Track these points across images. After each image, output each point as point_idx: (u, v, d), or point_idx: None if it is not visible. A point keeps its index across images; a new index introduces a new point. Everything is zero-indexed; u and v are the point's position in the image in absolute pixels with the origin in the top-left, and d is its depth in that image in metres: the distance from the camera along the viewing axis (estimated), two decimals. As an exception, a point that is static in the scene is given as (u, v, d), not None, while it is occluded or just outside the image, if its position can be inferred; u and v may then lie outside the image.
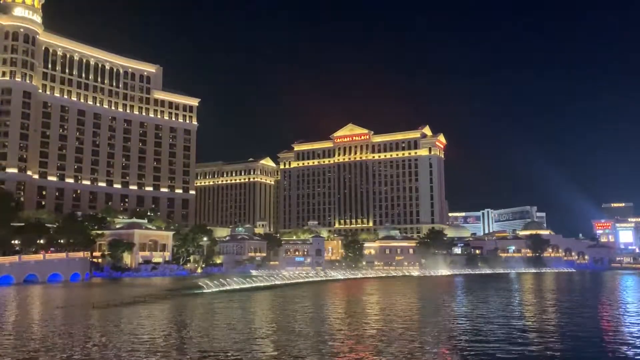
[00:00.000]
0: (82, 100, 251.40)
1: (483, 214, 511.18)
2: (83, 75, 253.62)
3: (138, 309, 68.61)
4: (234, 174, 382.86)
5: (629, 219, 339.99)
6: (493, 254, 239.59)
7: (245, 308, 71.95)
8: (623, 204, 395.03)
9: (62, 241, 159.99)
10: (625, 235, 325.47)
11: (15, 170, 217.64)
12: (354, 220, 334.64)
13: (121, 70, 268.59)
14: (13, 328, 51.40)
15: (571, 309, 70.49)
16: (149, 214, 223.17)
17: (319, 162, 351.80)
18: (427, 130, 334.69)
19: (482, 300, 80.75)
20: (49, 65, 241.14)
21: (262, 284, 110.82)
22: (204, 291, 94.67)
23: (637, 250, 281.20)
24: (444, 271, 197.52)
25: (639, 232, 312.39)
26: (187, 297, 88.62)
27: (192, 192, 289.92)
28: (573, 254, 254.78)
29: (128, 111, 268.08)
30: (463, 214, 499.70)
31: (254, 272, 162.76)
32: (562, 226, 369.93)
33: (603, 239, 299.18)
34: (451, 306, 74.56)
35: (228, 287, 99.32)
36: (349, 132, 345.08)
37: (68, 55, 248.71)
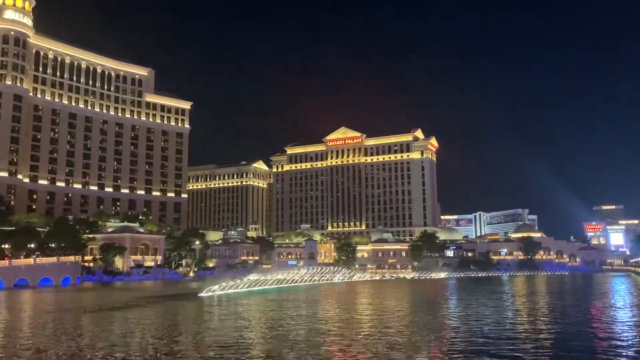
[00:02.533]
0: (73, 104, 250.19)
1: (475, 216, 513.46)
2: (74, 78, 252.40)
3: (130, 313, 68.17)
4: (226, 177, 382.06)
5: (620, 222, 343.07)
6: (485, 257, 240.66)
7: (238, 312, 71.69)
8: (614, 207, 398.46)
9: (53, 245, 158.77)
10: (616, 238, 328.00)
11: (5, 174, 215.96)
12: (346, 224, 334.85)
13: (113, 73, 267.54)
14: (2, 333, 50.88)
15: (563, 312, 70.81)
16: (140, 217, 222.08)
17: (311, 165, 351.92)
18: (419, 134, 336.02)
19: (480, 304, 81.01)
20: (40, 69, 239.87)
21: (256, 288, 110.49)
22: (198, 295, 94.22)
23: (628, 253, 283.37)
24: (440, 274, 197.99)
25: (629, 235, 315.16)
26: (179, 300, 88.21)
27: (185, 195, 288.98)
28: (564, 256, 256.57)
29: (120, 114, 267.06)
30: (455, 216, 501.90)
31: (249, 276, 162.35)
32: (553, 229, 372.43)
33: (594, 242, 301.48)
34: (448, 309, 74.68)
35: (221, 291, 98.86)
36: (342, 135, 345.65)
37: (59, 58, 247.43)
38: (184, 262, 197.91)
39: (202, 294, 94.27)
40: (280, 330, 51.63)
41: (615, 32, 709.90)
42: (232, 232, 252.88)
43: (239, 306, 78.79)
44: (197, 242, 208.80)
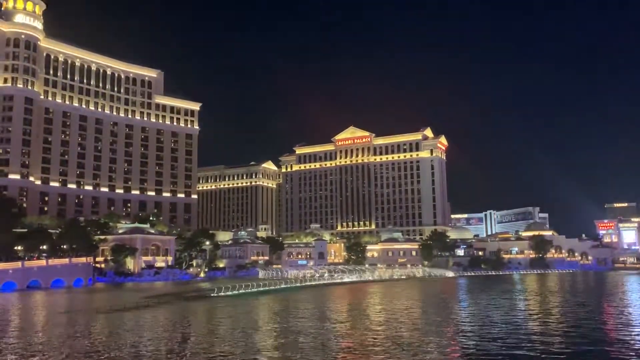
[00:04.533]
0: (83, 106, 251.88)
1: (485, 215, 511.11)
2: (84, 80, 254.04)
3: (142, 314, 68.51)
4: (236, 178, 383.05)
5: (632, 219, 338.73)
6: (496, 256, 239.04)
7: (249, 312, 71.77)
8: (626, 204, 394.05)
9: (65, 247, 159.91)
10: (629, 235, 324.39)
11: (17, 176, 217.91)
12: (356, 223, 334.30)
13: (122, 76, 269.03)
14: (16, 334, 51.31)
15: (576, 315, 70.24)
16: (151, 218, 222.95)
17: (320, 165, 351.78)
18: (428, 132, 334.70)
19: (492, 306, 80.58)
20: (51, 71, 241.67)
21: (267, 288, 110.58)
22: (209, 295, 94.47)
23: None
24: (449, 273, 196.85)
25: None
26: (191, 301, 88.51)
27: (195, 196, 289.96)
28: (576, 254, 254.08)
29: (130, 116, 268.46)
30: (465, 215, 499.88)
31: (260, 275, 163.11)
32: (564, 227, 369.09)
33: (606, 239, 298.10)
34: (460, 311, 74.35)
35: (233, 292, 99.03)
36: (351, 134, 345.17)
37: (69, 61, 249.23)
38: (194, 262, 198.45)
39: (213, 294, 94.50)
40: (292, 334, 51.63)
41: (625, 26, 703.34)
42: (242, 232, 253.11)
43: (250, 307, 78.92)
44: (208, 243, 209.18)
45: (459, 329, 51.73)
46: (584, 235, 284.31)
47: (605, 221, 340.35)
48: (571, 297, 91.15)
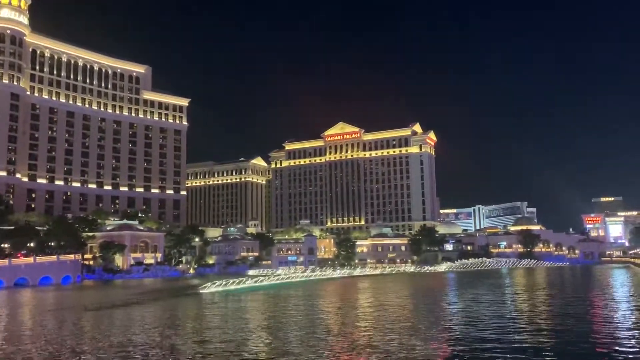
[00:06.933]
0: (70, 102, 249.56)
1: (474, 210, 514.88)
2: (71, 76, 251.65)
3: (130, 311, 68.27)
4: (225, 174, 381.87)
5: (618, 213, 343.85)
6: (484, 250, 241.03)
7: (239, 308, 71.80)
8: (612, 199, 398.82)
9: (52, 244, 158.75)
10: (615, 229, 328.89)
11: (4, 173, 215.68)
12: (346, 219, 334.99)
13: (110, 71, 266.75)
14: (3, 332, 50.92)
15: (563, 307, 70.99)
16: (140, 215, 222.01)
17: (310, 160, 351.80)
18: (417, 128, 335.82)
19: (481, 300, 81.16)
20: (37, 67, 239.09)
21: (257, 284, 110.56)
22: (198, 291, 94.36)
23: (627, 244, 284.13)
24: (440, 267, 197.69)
25: (628, 226, 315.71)
26: (180, 297, 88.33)
27: (184, 192, 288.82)
28: (564, 248, 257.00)
29: (117, 112, 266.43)
30: (454, 210, 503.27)
31: (250, 272, 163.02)
32: (552, 221, 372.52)
33: (593, 233, 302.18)
34: (450, 306, 74.85)
35: (222, 288, 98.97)
36: (340, 130, 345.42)
37: (56, 57, 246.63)
38: (184, 259, 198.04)
39: (203, 291, 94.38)
40: (280, 329, 51.73)
41: (614, 27, 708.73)
42: (232, 228, 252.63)
43: (239, 303, 78.94)
44: (197, 239, 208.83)
45: (449, 331, 52.14)
46: (571, 230, 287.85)
47: (592, 215, 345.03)
48: (559, 291, 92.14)
